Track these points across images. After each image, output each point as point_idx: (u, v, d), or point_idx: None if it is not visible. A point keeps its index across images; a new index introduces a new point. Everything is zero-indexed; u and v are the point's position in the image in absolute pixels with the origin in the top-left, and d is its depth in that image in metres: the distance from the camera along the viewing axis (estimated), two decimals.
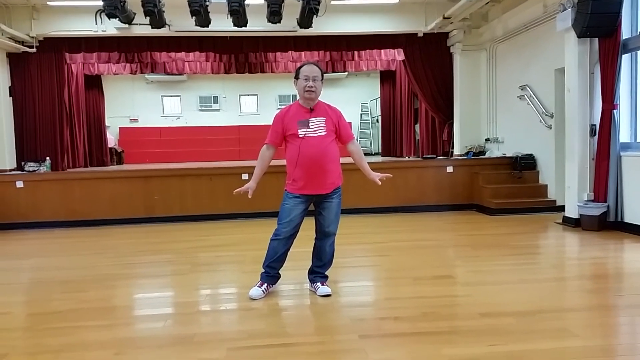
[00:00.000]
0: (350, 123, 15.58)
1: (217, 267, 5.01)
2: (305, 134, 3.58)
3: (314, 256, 3.91)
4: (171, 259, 5.41)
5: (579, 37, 6.12)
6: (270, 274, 3.81)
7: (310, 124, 3.60)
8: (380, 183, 3.82)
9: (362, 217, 7.66)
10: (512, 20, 8.17)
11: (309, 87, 3.59)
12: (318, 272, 3.89)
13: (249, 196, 3.74)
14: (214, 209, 7.87)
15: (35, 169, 8.61)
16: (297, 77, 3.68)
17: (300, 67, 3.69)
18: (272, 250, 3.76)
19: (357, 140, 14.05)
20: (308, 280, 3.96)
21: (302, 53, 10.19)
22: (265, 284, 3.79)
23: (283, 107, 3.89)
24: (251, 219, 7.69)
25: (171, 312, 3.65)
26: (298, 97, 3.75)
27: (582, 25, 5.90)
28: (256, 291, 3.74)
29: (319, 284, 3.83)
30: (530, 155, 8.02)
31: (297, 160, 3.59)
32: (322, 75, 3.69)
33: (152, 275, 4.73)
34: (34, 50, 8.99)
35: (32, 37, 8.86)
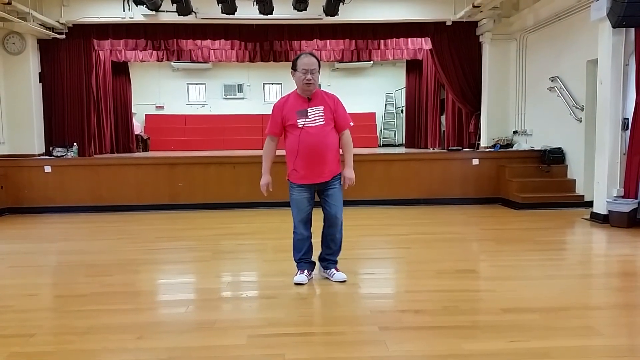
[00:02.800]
0: (374, 113, 15.48)
1: (239, 255, 5.05)
2: (304, 124, 3.61)
3: (324, 244, 3.94)
4: (194, 245, 5.47)
5: (614, 27, 5.92)
6: (306, 262, 3.90)
7: (308, 114, 3.63)
8: (345, 185, 3.78)
9: (385, 208, 7.62)
10: (544, 10, 7.95)
11: (307, 80, 3.60)
12: (330, 259, 3.93)
13: (270, 189, 3.85)
14: (236, 197, 7.92)
15: (63, 154, 8.79)
16: (294, 69, 3.67)
17: (297, 58, 3.69)
18: (297, 245, 3.88)
19: (381, 130, 13.77)
20: (320, 267, 4.00)
21: (328, 41, 10.12)
22: (306, 271, 3.87)
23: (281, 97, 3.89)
24: (273, 208, 7.70)
25: (193, 298, 3.69)
26: (296, 87, 3.75)
27: (617, 15, 5.71)
28: (301, 277, 3.81)
29: (333, 270, 3.90)
30: (559, 148, 7.84)
31: (297, 150, 3.63)
32: (319, 65, 3.68)
33: (175, 262, 4.79)
34: (64, 36, 9.13)
35: (62, 24, 8.99)
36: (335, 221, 3.80)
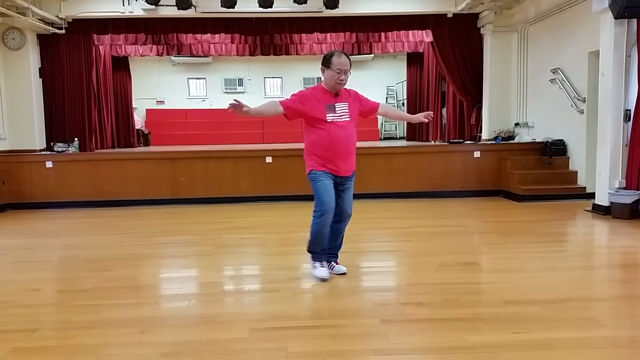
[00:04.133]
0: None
1: (241, 249, 5.05)
2: (333, 119, 3.61)
3: (330, 238, 3.88)
4: (195, 240, 5.48)
5: (616, 18, 5.89)
6: (330, 254, 3.87)
7: (336, 109, 3.64)
8: (427, 120, 3.98)
9: (387, 201, 7.61)
10: (545, 1, 7.91)
11: (340, 80, 3.60)
12: (333, 253, 3.93)
13: (239, 111, 3.66)
14: (237, 192, 7.93)
15: (64, 149, 8.79)
16: (327, 66, 3.62)
17: (331, 56, 3.62)
18: (323, 234, 3.72)
19: (382, 123, 13.77)
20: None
21: (328, 35, 10.09)
22: (325, 262, 3.84)
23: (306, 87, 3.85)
24: (274, 202, 7.72)
25: (195, 292, 3.70)
26: (322, 82, 3.72)
27: (620, 6, 5.67)
28: (325, 272, 3.78)
29: (333, 263, 3.92)
30: (561, 140, 7.82)
31: (327, 144, 3.60)
32: (351, 65, 3.67)
33: (177, 256, 4.80)
34: (63, 31, 9.11)
35: (62, 19, 8.98)
36: (346, 217, 3.83)
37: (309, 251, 3.85)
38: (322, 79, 3.72)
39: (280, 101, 3.72)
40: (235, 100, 3.60)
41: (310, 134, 3.70)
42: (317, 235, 3.73)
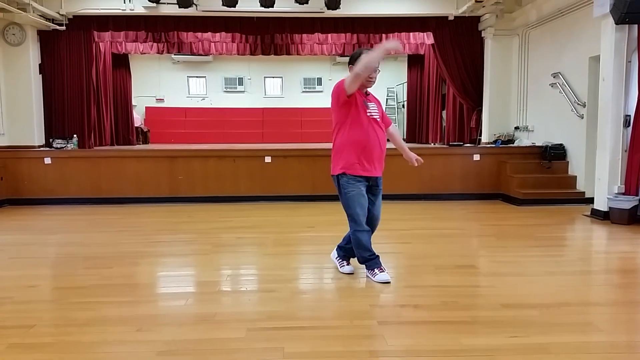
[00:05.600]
0: None
1: (239, 248, 5.04)
2: (370, 115, 3.61)
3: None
4: (193, 238, 5.47)
5: (617, 23, 5.89)
6: (376, 258, 3.78)
7: (370, 107, 3.65)
8: (416, 164, 3.90)
9: (385, 203, 7.52)
10: (546, 5, 7.92)
11: (370, 77, 3.58)
12: (351, 254, 3.91)
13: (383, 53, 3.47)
14: (236, 191, 7.92)
15: (63, 146, 8.78)
16: (354, 64, 3.55)
17: (360, 54, 3.57)
18: (364, 241, 3.71)
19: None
20: (336, 252, 4.00)
21: (329, 35, 10.10)
22: (381, 266, 3.77)
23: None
24: (273, 202, 7.71)
25: (192, 291, 3.69)
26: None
27: (621, 11, 5.68)
28: (384, 275, 3.70)
29: (345, 262, 3.95)
30: (560, 145, 7.83)
31: (365, 142, 3.57)
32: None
33: (175, 254, 4.79)
34: (64, 28, 9.10)
35: (62, 15, 8.96)
36: (377, 222, 3.85)
37: (361, 262, 3.80)
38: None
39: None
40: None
41: (350, 132, 3.59)
42: (358, 244, 3.70)
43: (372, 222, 3.80)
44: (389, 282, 3.65)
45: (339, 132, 3.65)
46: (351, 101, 3.57)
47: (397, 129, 4.12)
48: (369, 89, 3.76)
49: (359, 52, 3.63)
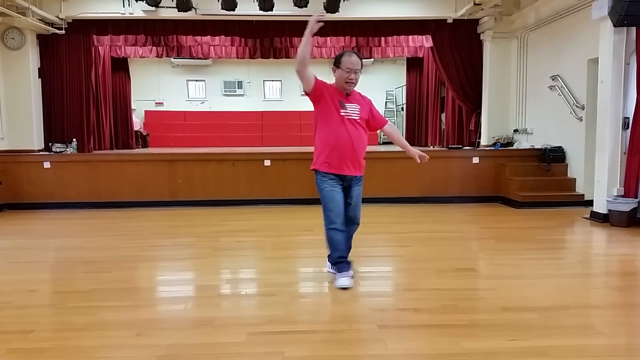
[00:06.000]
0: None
1: (238, 252, 5.04)
2: (344, 115, 3.62)
3: None
4: (193, 242, 5.46)
5: (615, 26, 5.91)
6: (347, 262, 3.78)
7: (347, 107, 3.65)
8: (419, 161, 3.89)
9: (385, 206, 7.61)
10: (545, 8, 7.94)
11: (349, 79, 3.60)
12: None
13: (314, 25, 3.44)
14: (235, 195, 7.92)
15: (62, 150, 8.78)
16: (337, 66, 3.64)
17: (342, 56, 3.65)
18: (335, 240, 3.71)
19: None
20: (329, 263, 3.95)
21: (328, 38, 10.10)
22: (351, 271, 3.76)
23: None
24: (272, 206, 7.71)
25: (192, 295, 3.69)
26: (334, 82, 3.72)
27: (619, 14, 5.70)
28: (346, 280, 3.67)
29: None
30: (560, 147, 7.83)
31: (335, 140, 3.60)
32: (362, 65, 3.67)
33: (174, 258, 4.78)
34: (63, 32, 9.10)
35: (61, 19, 8.97)
36: (355, 225, 3.83)
37: (331, 262, 3.82)
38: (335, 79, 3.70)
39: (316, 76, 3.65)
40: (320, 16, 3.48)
41: (320, 130, 3.69)
42: (330, 242, 3.72)
43: (349, 224, 3.80)
44: (346, 288, 3.61)
45: (315, 130, 3.74)
46: (319, 99, 3.63)
47: (395, 127, 4.09)
48: (356, 90, 3.76)
49: (340, 54, 3.69)
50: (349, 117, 3.63)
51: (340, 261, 3.74)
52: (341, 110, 3.61)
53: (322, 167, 3.67)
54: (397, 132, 4.08)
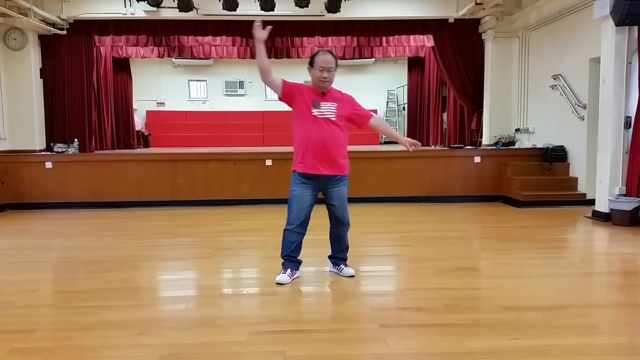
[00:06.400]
0: (375, 110, 15.43)
1: (240, 251, 5.04)
2: (317, 114, 3.62)
3: (334, 243, 3.96)
4: (195, 242, 5.47)
5: (617, 25, 5.89)
6: (291, 261, 3.84)
7: (321, 106, 3.65)
8: (411, 149, 3.85)
9: (386, 206, 7.61)
10: (546, 7, 7.93)
11: (323, 77, 3.61)
12: (339, 257, 3.97)
13: (259, 33, 3.53)
14: (237, 194, 7.92)
15: (64, 150, 8.79)
16: (311, 65, 3.68)
17: (315, 55, 3.68)
18: (287, 240, 3.81)
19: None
20: (330, 263, 4.03)
21: (329, 38, 10.10)
22: (289, 270, 3.82)
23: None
24: (274, 205, 7.70)
25: (194, 295, 3.69)
26: (311, 82, 3.75)
27: (620, 13, 5.68)
28: (283, 277, 3.77)
29: (342, 265, 3.94)
30: (561, 146, 7.82)
31: (307, 140, 3.63)
32: (337, 64, 3.67)
33: (176, 258, 4.79)
34: (65, 32, 9.12)
35: (63, 20, 8.98)
36: (343, 225, 3.84)
37: (281, 256, 3.88)
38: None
39: (283, 79, 3.74)
40: (259, 25, 3.54)
41: (295, 130, 3.74)
42: (283, 240, 3.83)
43: (335, 222, 3.82)
44: (281, 284, 3.69)
45: (293, 132, 3.78)
46: (292, 100, 3.69)
47: (381, 119, 4.06)
48: (332, 87, 3.76)
49: (314, 53, 3.71)
50: (323, 116, 3.62)
51: (286, 259, 3.83)
52: (313, 110, 3.62)
53: (298, 167, 3.72)
54: (383, 124, 4.07)
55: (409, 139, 3.90)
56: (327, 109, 3.65)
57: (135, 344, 2.73)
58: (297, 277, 3.85)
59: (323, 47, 10.54)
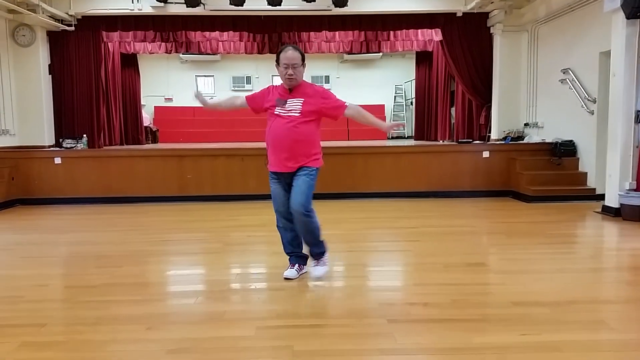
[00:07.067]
0: (383, 105, 15.39)
1: (248, 247, 5.06)
2: (279, 113, 3.61)
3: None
4: (203, 237, 5.49)
5: (628, 18, 5.83)
6: (297, 256, 3.83)
7: (286, 104, 3.62)
8: (395, 129, 3.83)
9: (394, 201, 7.59)
10: (556, 1, 7.84)
11: (289, 74, 3.57)
12: (297, 254, 3.86)
13: (200, 99, 4.00)
14: (245, 190, 7.92)
15: (73, 146, 8.83)
16: (277, 63, 3.63)
17: (281, 52, 3.63)
18: (282, 237, 3.87)
19: (389, 117, 13.70)
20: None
21: (337, 33, 10.06)
22: (297, 265, 3.81)
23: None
24: None
25: (202, 290, 3.71)
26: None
27: (632, 6, 5.62)
28: (290, 272, 3.77)
29: (314, 262, 3.82)
30: (571, 141, 7.76)
31: (269, 138, 3.67)
32: (303, 59, 3.62)
33: (184, 253, 4.81)
34: (73, 28, 9.15)
35: (71, 16, 9.01)
36: (294, 212, 3.60)
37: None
38: None
39: (246, 95, 3.87)
40: (197, 91, 4.01)
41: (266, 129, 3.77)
42: (281, 240, 3.88)
43: (290, 212, 3.70)
44: (288, 279, 3.71)
45: None
46: (259, 109, 3.79)
47: (358, 108, 3.78)
48: (304, 82, 3.71)
49: (279, 50, 3.68)
50: (287, 113, 3.57)
51: (291, 254, 3.85)
52: (276, 109, 3.61)
53: (269, 166, 3.75)
54: (360, 113, 3.77)
55: (391, 123, 3.90)
56: (292, 106, 3.59)
57: (143, 338, 2.75)
58: (305, 272, 3.84)
59: (331, 41, 10.53)
